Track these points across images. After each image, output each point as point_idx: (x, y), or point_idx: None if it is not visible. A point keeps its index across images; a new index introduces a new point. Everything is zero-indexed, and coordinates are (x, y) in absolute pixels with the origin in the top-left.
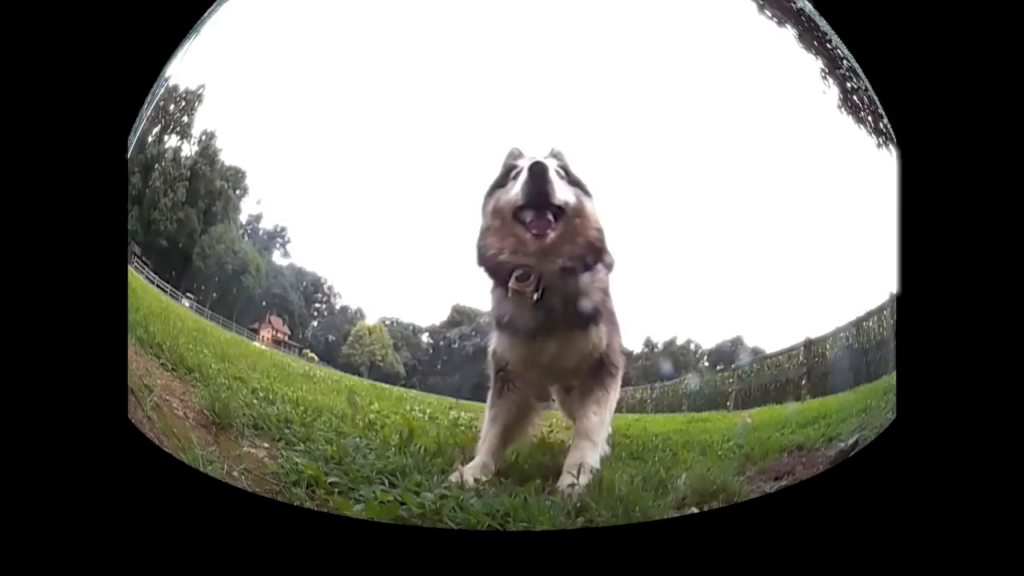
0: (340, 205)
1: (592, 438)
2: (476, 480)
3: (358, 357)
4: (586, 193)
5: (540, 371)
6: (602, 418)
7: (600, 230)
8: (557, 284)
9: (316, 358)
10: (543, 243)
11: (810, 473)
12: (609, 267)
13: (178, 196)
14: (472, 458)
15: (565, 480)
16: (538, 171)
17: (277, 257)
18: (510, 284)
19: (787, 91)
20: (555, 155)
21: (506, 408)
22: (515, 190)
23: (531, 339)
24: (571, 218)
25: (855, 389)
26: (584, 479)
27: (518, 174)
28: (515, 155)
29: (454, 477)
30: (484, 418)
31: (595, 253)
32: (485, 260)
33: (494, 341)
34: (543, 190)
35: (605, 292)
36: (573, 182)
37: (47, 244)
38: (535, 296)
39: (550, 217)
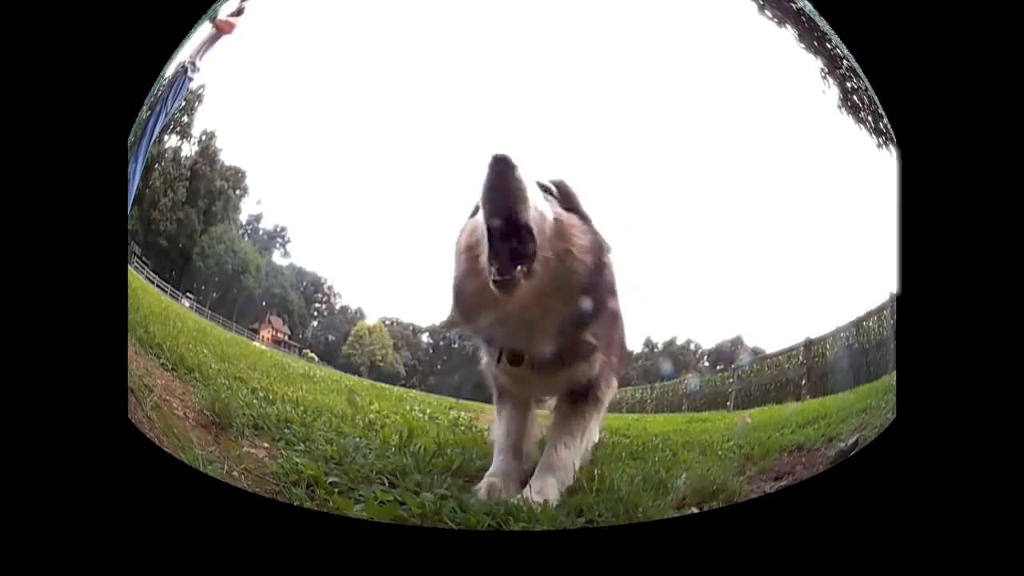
0: (340, 205)
1: (557, 474)
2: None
3: (358, 357)
4: (582, 217)
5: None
6: (574, 450)
7: (596, 262)
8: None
9: (316, 358)
10: (508, 298)
11: (810, 473)
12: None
13: (178, 196)
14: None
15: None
16: (501, 167)
17: (277, 257)
18: (500, 366)
19: (787, 91)
20: (555, 183)
21: (512, 407)
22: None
23: (524, 375)
24: (555, 245)
25: (855, 389)
26: (540, 498)
27: None
28: None
29: (481, 487)
30: (496, 422)
31: (594, 295)
32: (467, 320)
33: (484, 358)
34: (507, 199)
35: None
36: (568, 206)
37: (47, 244)
38: (530, 369)
39: (515, 253)
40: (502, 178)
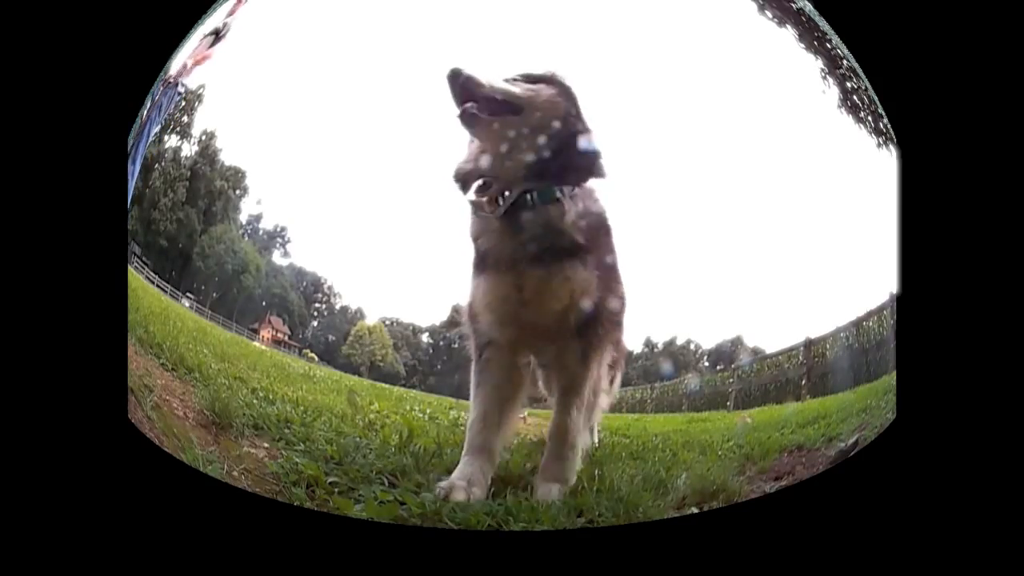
0: (340, 205)
1: (574, 444)
2: (467, 495)
3: (358, 357)
4: (554, 84)
5: (519, 327)
6: (583, 413)
7: (578, 124)
8: (526, 197)
9: (316, 358)
10: (473, 128)
11: (810, 473)
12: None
13: (178, 196)
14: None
15: (539, 494)
16: (451, 75)
17: (277, 257)
18: (467, 196)
19: (787, 91)
20: (523, 75)
21: (493, 377)
22: None
23: (505, 272)
24: (529, 112)
25: (855, 389)
26: (558, 494)
27: None
28: None
29: (442, 488)
30: (470, 403)
31: (567, 150)
32: (454, 175)
33: (470, 289)
34: (462, 87)
35: (597, 216)
36: (537, 79)
37: (47, 244)
38: (497, 205)
39: (473, 107)
40: (458, 82)
